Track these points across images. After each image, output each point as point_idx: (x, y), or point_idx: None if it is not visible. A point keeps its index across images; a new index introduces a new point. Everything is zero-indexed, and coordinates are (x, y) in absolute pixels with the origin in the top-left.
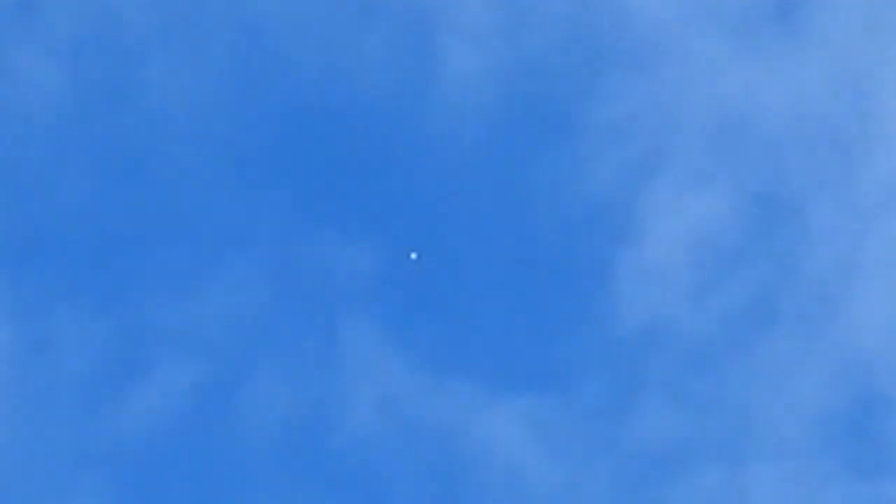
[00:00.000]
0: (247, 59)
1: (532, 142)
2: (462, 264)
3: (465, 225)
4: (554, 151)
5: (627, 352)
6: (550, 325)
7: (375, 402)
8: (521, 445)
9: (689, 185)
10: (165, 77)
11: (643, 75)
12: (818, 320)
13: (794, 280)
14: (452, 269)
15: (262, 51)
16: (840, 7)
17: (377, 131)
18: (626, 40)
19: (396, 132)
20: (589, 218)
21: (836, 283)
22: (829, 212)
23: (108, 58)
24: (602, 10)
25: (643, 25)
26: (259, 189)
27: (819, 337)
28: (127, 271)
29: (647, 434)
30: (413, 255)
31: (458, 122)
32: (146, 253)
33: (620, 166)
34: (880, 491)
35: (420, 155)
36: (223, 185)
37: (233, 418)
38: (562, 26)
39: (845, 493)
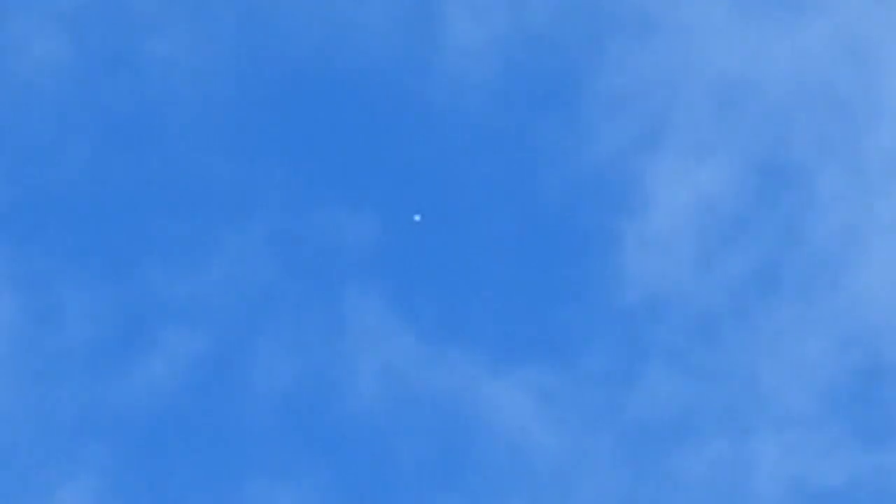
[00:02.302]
0: (249, 31)
1: (535, 112)
2: (466, 235)
3: (469, 195)
4: (557, 121)
5: (632, 321)
6: (554, 294)
7: (380, 372)
8: (526, 415)
9: (693, 154)
10: (169, 46)
11: (646, 45)
12: (823, 289)
13: (799, 248)
14: (456, 240)
15: (264, 21)
16: None
17: (380, 101)
18: (629, 10)
19: (400, 102)
20: (592, 188)
21: (841, 251)
22: (834, 180)
23: (111, 27)
24: None
25: None
26: (263, 159)
27: (824, 305)
28: (131, 241)
29: (651, 403)
30: (416, 217)
31: (462, 92)
32: (150, 223)
33: (624, 136)
34: (886, 459)
35: (423, 125)
36: (227, 154)
37: (237, 388)
38: None
39: (850, 462)
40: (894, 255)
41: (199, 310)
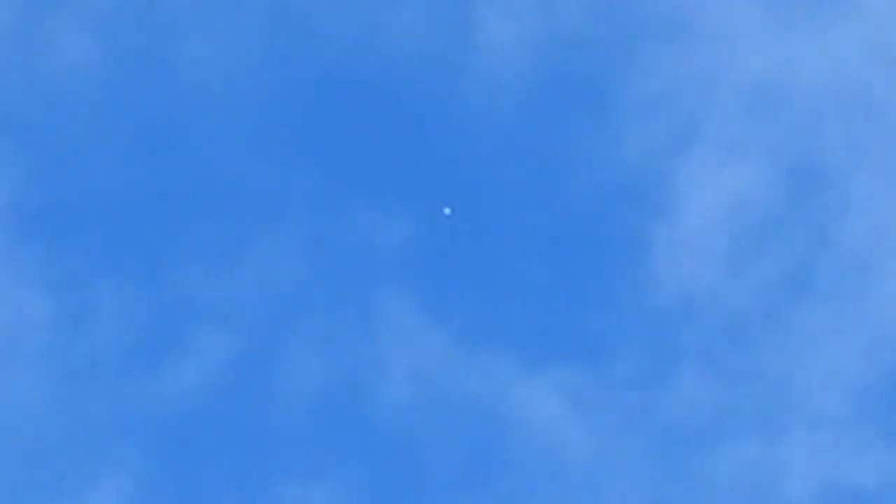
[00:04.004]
0: (281, 31)
1: (567, 113)
2: (497, 236)
3: (500, 197)
4: (589, 123)
5: (663, 323)
6: (585, 296)
7: (411, 374)
8: (557, 417)
9: (724, 156)
10: (201, 48)
11: (678, 47)
12: (855, 291)
13: (831, 251)
14: (488, 242)
15: (296, 22)
16: None
17: (412, 103)
18: (661, 12)
19: (431, 103)
20: (624, 190)
21: (873, 253)
22: (865, 182)
23: (144, 29)
24: None
25: None
26: (295, 161)
27: (856, 308)
28: (164, 243)
29: (682, 405)
30: (447, 210)
31: (493, 94)
32: (182, 225)
33: (655, 138)
34: None
35: (455, 127)
36: (259, 157)
37: (269, 390)
38: None
39: (882, 464)
40: None
41: (231, 311)
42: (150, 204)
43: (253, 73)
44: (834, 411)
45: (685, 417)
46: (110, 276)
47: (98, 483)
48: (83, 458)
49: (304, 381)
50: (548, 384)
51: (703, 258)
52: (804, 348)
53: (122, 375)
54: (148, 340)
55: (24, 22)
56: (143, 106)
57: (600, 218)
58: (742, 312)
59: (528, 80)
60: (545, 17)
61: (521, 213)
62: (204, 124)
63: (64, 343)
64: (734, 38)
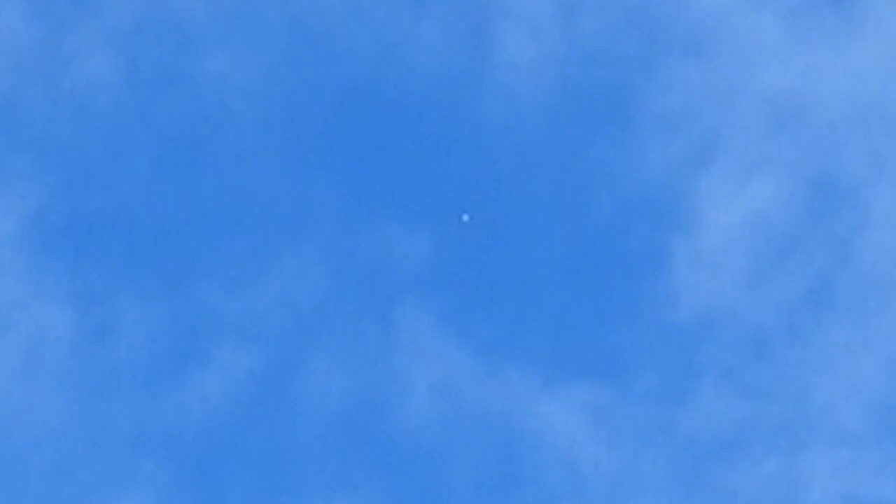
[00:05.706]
0: (302, 47)
1: (587, 129)
2: (518, 252)
3: (521, 213)
4: (609, 138)
5: (684, 339)
6: (607, 312)
7: (432, 389)
8: (578, 432)
9: (745, 171)
10: (221, 65)
11: (699, 62)
12: (876, 307)
13: (852, 266)
14: (508, 257)
15: (317, 38)
16: None
17: (432, 119)
18: (682, 27)
19: (452, 119)
20: (644, 205)
21: (893, 268)
22: (886, 198)
23: (164, 46)
24: None
25: (699, 11)
26: (316, 177)
27: (877, 323)
28: (186, 258)
29: (703, 421)
30: (465, 217)
31: (514, 110)
32: (205, 240)
33: (676, 153)
34: None
35: (475, 142)
36: (279, 172)
37: (290, 404)
38: (617, 13)
39: None
40: None
41: (254, 326)
42: (171, 219)
43: (273, 89)
44: (855, 427)
45: (706, 433)
46: (132, 290)
47: (120, 498)
48: (105, 472)
49: (325, 396)
50: (568, 399)
51: (724, 273)
52: (825, 364)
53: (144, 390)
54: (170, 355)
55: (46, 39)
56: (164, 122)
57: (621, 233)
58: (763, 328)
59: (548, 95)
60: (565, 33)
61: (542, 229)
62: (225, 140)
63: (86, 358)
64: (755, 52)
